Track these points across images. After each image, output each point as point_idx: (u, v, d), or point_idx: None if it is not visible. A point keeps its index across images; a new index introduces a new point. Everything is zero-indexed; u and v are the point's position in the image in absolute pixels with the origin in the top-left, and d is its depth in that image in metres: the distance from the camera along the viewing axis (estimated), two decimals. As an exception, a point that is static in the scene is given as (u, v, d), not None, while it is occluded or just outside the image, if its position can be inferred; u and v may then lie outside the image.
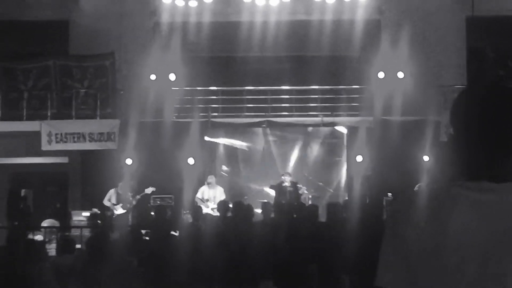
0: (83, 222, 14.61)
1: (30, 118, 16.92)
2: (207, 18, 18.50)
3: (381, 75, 17.26)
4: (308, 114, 17.59)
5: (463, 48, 18.68)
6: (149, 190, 15.63)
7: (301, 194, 15.69)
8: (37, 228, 13.11)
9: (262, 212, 11.70)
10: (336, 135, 18.17)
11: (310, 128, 18.07)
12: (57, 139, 16.43)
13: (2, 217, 16.20)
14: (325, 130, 17.84)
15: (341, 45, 18.70)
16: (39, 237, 11.66)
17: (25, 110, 17.13)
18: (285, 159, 17.88)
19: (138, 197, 15.56)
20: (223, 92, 18.04)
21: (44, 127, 16.46)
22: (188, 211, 14.27)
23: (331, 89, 17.82)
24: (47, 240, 12.00)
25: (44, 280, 7.13)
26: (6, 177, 18.44)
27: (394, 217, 1.91)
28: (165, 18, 18.61)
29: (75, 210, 16.08)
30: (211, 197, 15.23)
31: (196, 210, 12.23)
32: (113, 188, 15.54)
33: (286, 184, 15.42)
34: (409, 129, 16.11)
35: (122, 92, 17.60)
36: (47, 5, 18.79)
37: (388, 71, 17.25)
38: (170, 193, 16.06)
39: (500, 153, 1.83)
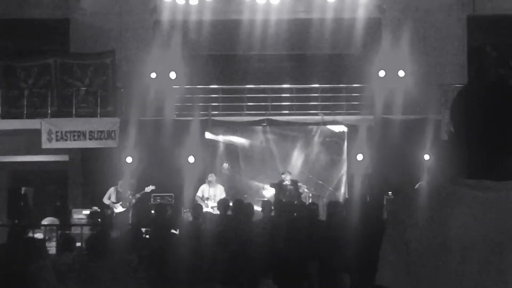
0: (83, 220, 14.64)
1: (30, 116, 16.94)
2: (207, 16, 18.49)
3: (381, 73, 17.26)
4: (308, 113, 17.59)
5: (463, 46, 18.68)
6: (149, 188, 15.62)
7: (301, 193, 15.66)
8: (37, 226, 13.09)
9: (262, 210, 11.70)
10: (337, 133, 18.15)
11: (310, 127, 18.05)
12: (57, 137, 16.43)
13: (2, 215, 16.21)
14: (326, 128, 17.82)
15: (341, 43, 18.72)
16: (39, 235, 11.65)
17: (25, 108, 17.16)
18: (286, 157, 17.84)
19: (138, 195, 15.55)
20: (223, 91, 18.04)
21: (45, 125, 16.46)
22: (188, 210, 14.28)
23: (331, 87, 17.81)
24: (47, 238, 11.99)
25: (44, 278, 7.12)
26: (6, 175, 18.46)
27: (394, 215, 1.91)
28: (165, 16, 18.60)
29: (75, 208, 16.07)
30: (211, 196, 15.20)
31: (196, 208, 12.21)
32: (113, 186, 15.53)
33: (287, 182, 15.40)
34: (409, 128, 16.10)
35: (122, 90, 17.61)
36: (47, 4, 18.79)
37: (388, 69, 17.24)
38: (170, 191, 16.04)
39: (500, 151, 1.82)
